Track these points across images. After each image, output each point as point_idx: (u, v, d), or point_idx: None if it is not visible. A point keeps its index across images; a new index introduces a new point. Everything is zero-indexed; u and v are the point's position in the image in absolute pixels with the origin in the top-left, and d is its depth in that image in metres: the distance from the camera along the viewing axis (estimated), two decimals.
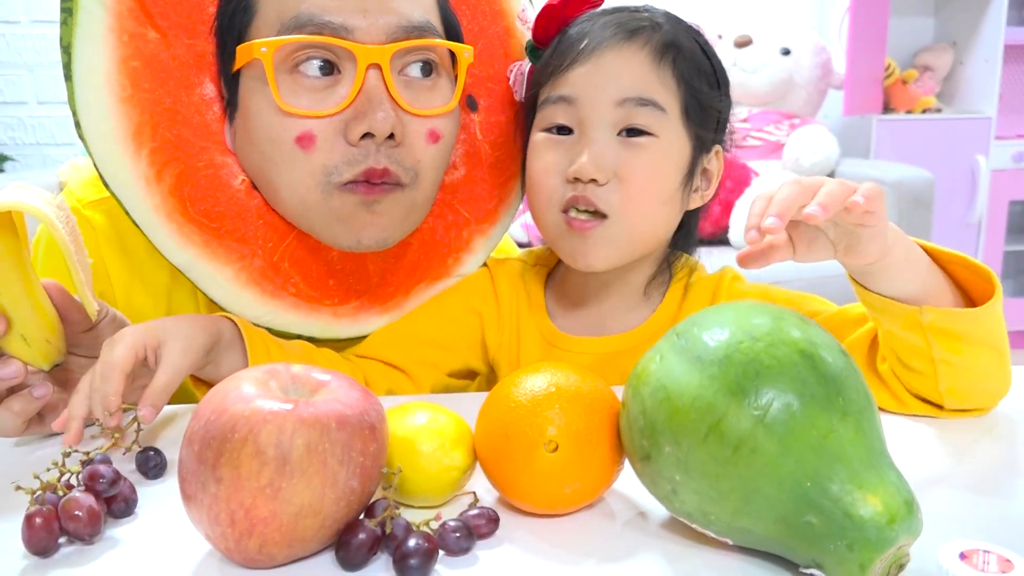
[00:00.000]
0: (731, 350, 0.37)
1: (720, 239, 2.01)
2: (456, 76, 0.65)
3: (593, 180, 0.60)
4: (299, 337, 0.64)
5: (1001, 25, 2.44)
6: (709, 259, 0.72)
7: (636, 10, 0.66)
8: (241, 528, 0.36)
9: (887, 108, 2.61)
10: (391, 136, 0.59)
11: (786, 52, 2.25)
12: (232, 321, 0.60)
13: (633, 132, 0.61)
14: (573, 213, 0.61)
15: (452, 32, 0.66)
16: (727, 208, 2.02)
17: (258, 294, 0.62)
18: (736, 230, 2.08)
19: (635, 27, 0.62)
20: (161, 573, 0.38)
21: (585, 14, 0.66)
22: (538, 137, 0.64)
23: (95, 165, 0.59)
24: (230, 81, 0.61)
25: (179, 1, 0.59)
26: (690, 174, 0.64)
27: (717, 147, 0.66)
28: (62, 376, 0.56)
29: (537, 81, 0.65)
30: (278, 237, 0.63)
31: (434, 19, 0.63)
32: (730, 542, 0.38)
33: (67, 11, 0.57)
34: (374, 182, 0.60)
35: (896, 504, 0.34)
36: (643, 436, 0.38)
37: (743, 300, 0.47)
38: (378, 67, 0.58)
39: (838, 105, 2.44)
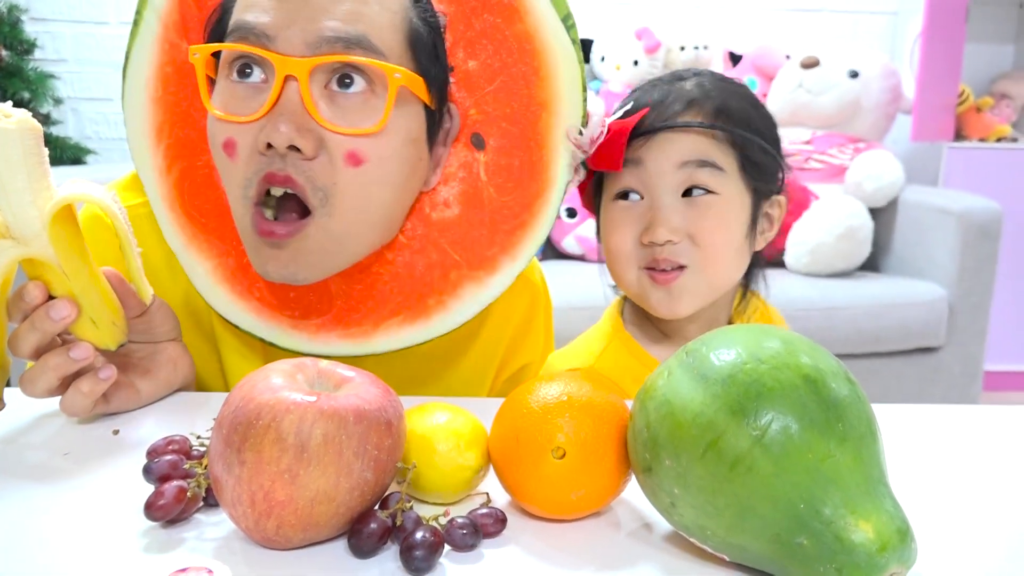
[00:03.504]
0: (735, 370, 0.37)
1: (776, 261, 1.99)
2: (417, 99, 0.62)
3: (669, 241, 0.68)
4: (262, 341, 0.67)
5: None
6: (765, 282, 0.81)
7: (684, 78, 0.72)
8: (260, 509, 0.38)
9: (959, 135, 2.54)
10: (298, 149, 0.57)
11: (854, 75, 2.21)
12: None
13: (696, 191, 0.68)
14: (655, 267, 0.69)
15: (421, 54, 0.62)
16: (784, 231, 2.00)
17: (228, 291, 0.67)
18: (793, 252, 2.05)
19: (689, 98, 0.69)
20: (176, 545, 0.41)
21: (641, 87, 0.74)
22: (610, 205, 0.72)
23: (131, 152, 0.67)
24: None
25: (204, 13, 0.65)
26: (753, 222, 0.72)
27: (778, 197, 0.74)
28: (121, 360, 0.60)
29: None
30: None
31: (382, 35, 0.59)
32: (727, 558, 0.39)
33: (136, 20, 0.66)
34: (280, 192, 0.60)
35: (888, 532, 0.34)
36: (646, 448, 0.39)
37: (758, 324, 0.48)
38: (295, 78, 0.58)
39: (907, 130, 2.38)
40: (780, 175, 0.73)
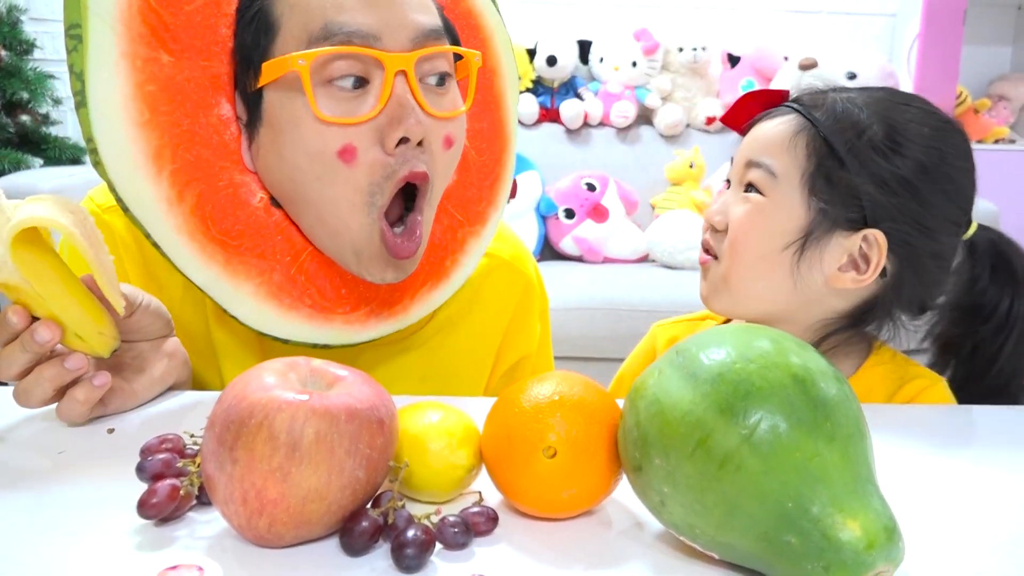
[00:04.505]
0: (725, 369, 0.38)
1: None
2: (458, 81, 0.67)
3: (714, 228, 0.72)
4: (313, 346, 0.65)
5: None
6: None
7: (827, 89, 0.72)
8: (252, 507, 0.39)
9: None
10: (420, 142, 0.60)
11: (852, 76, 2.22)
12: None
13: (751, 190, 0.70)
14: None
15: (454, 37, 0.67)
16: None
17: (276, 307, 0.63)
18: None
19: (802, 107, 0.70)
20: (168, 543, 0.41)
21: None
22: None
23: (113, 190, 0.58)
24: (250, 99, 0.62)
25: (191, 24, 0.60)
26: (804, 242, 0.67)
27: (874, 232, 0.66)
28: (114, 361, 0.60)
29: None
30: (295, 252, 0.64)
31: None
32: (716, 556, 0.39)
33: (76, 37, 0.56)
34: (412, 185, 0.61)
35: (875, 530, 0.34)
36: (636, 447, 0.39)
37: (751, 324, 0.48)
38: (404, 73, 0.60)
39: None
40: (877, 210, 0.65)
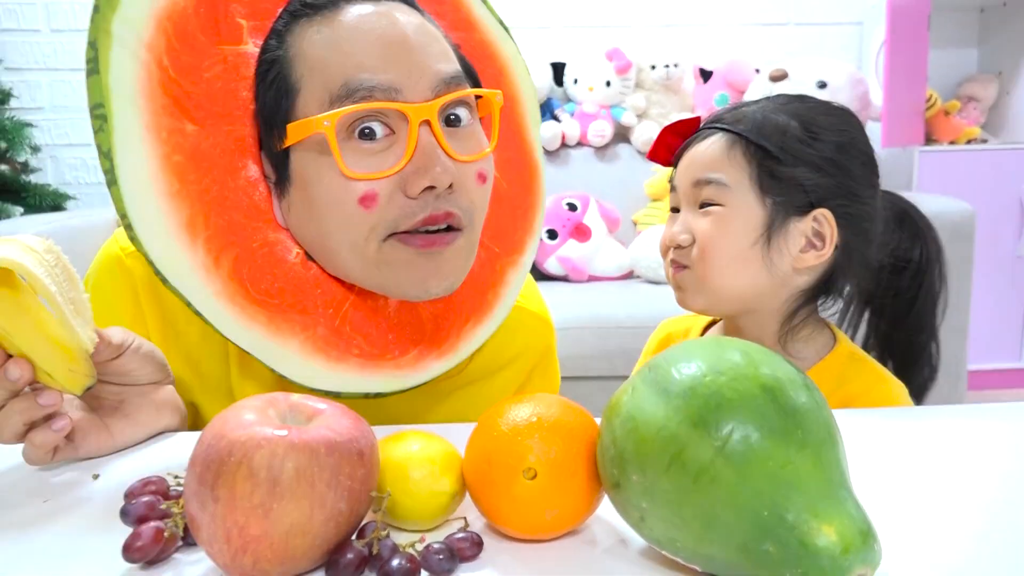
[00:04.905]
0: (696, 383, 0.38)
1: None
2: (481, 119, 0.69)
3: (679, 246, 0.80)
4: (365, 395, 0.65)
5: None
6: None
7: (737, 107, 0.81)
8: (236, 545, 0.39)
9: (930, 139, 2.58)
10: (450, 186, 0.61)
11: (822, 85, 2.25)
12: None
13: (708, 205, 0.78)
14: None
15: (472, 77, 0.69)
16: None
17: (324, 361, 0.62)
18: None
19: (725, 125, 0.79)
20: None
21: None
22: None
23: (151, 263, 0.58)
24: (277, 159, 0.62)
25: (212, 91, 0.60)
26: (768, 235, 0.77)
27: (822, 211, 0.76)
28: (92, 402, 0.60)
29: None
30: (337, 303, 0.64)
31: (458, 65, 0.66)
32: (699, 569, 0.39)
33: (101, 117, 0.56)
34: (432, 229, 0.62)
35: (851, 534, 0.35)
36: (613, 465, 0.40)
37: (720, 337, 0.49)
38: (428, 123, 0.60)
39: (878, 137, 2.42)
40: (818, 192, 0.76)
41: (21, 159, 2.29)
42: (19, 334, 0.53)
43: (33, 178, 2.34)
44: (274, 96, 0.62)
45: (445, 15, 0.71)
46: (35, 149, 2.31)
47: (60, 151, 2.53)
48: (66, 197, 2.33)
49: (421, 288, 0.63)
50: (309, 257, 0.64)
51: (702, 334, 0.91)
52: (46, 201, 2.21)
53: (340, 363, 0.63)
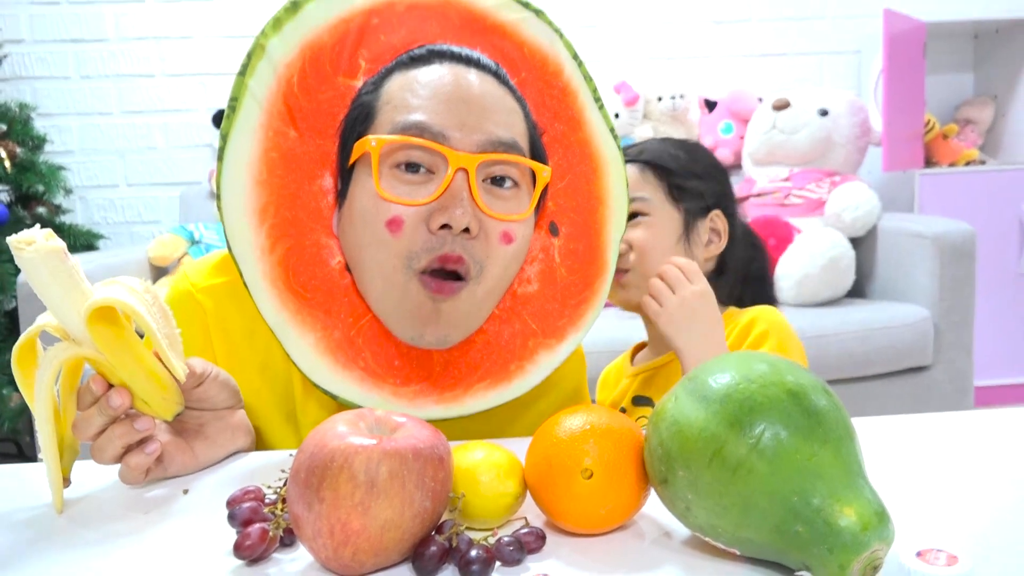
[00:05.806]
0: (730, 390, 0.45)
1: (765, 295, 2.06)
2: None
3: (619, 255, 0.87)
4: (358, 407, 0.69)
5: None
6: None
7: (632, 146, 1.05)
8: (339, 539, 0.45)
9: (929, 162, 2.65)
10: (467, 230, 0.67)
11: (824, 113, 2.33)
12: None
13: (638, 217, 0.99)
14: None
15: (537, 155, 0.74)
16: (771, 264, 2.08)
17: (331, 363, 0.69)
18: (781, 285, 2.13)
19: (632, 158, 1.02)
20: None
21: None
22: None
23: (225, 232, 0.68)
24: (345, 175, 0.71)
25: (319, 110, 0.70)
26: (686, 234, 1.00)
27: (716, 211, 1.01)
28: (179, 426, 0.67)
29: None
30: (358, 315, 0.71)
31: (522, 141, 0.71)
32: (737, 552, 0.46)
33: (232, 108, 0.67)
34: (448, 268, 0.68)
35: (868, 515, 0.41)
36: (661, 463, 0.46)
37: (749, 351, 0.56)
38: (465, 171, 0.67)
39: (879, 161, 2.49)
40: (710, 197, 1.01)
41: (56, 201, 2.38)
42: (121, 366, 0.60)
43: (66, 219, 2.43)
44: (355, 119, 0.71)
45: (554, 108, 0.77)
46: (68, 191, 2.41)
47: (90, 192, 2.62)
48: (99, 236, 2.42)
49: (417, 332, 0.69)
50: (348, 269, 0.72)
51: (632, 356, 1.10)
52: (80, 241, 2.29)
53: (345, 370, 0.69)
